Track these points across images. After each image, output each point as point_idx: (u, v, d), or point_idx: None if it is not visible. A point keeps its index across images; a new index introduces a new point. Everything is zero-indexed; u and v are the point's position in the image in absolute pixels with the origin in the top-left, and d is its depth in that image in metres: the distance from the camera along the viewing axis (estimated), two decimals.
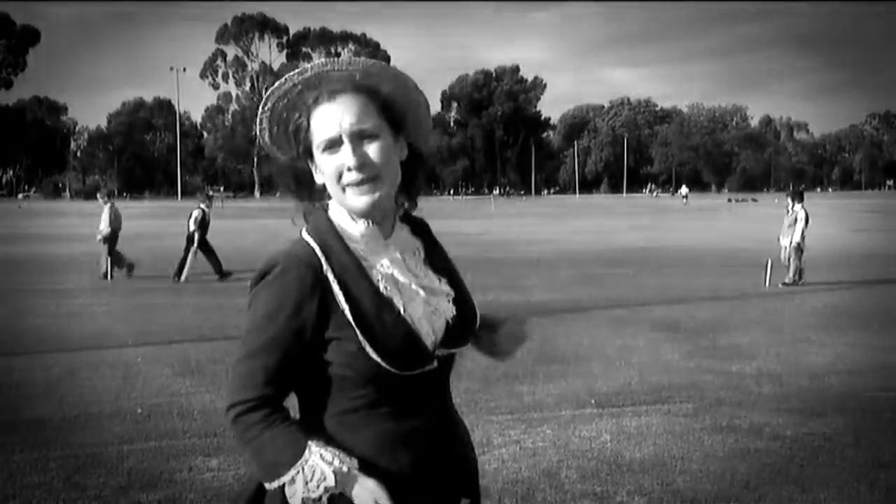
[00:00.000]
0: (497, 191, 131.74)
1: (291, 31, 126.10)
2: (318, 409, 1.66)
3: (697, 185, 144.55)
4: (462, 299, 1.74)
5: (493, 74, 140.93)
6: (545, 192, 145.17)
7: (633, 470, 4.77)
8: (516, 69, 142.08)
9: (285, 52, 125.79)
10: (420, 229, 1.82)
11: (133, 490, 4.41)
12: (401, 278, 1.67)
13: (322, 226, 1.67)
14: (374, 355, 1.56)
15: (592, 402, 6.28)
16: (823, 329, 9.58)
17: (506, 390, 6.55)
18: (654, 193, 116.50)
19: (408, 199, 1.78)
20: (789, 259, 14.26)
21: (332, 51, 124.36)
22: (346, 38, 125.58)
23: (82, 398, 6.32)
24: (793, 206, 14.71)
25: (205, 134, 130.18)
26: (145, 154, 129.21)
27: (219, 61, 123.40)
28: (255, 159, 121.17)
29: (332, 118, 1.63)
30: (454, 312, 1.70)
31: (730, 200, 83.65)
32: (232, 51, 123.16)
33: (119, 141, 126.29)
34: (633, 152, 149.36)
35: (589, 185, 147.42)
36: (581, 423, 5.71)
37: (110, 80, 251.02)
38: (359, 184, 1.62)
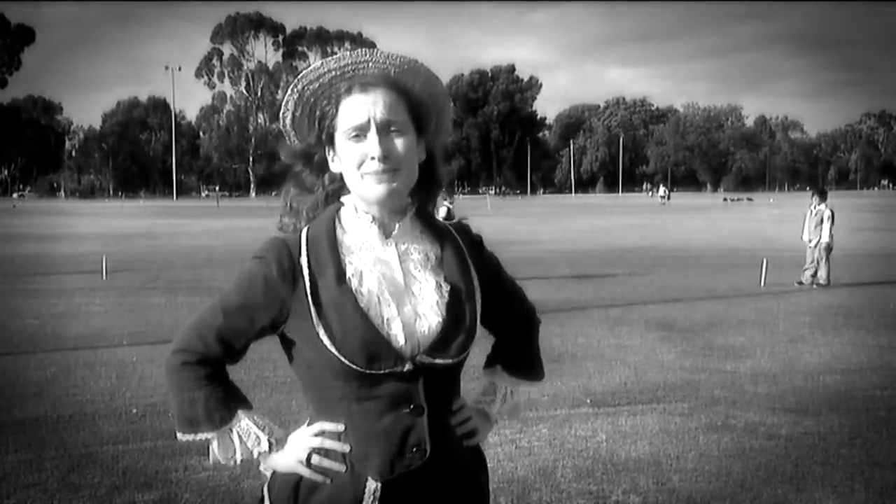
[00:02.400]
0: (493, 190, 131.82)
1: (287, 30, 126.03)
2: (306, 390, 1.72)
3: (693, 184, 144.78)
4: (455, 312, 1.68)
5: (489, 74, 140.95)
6: (541, 191, 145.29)
7: (629, 469, 4.77)
8: (512, 69, 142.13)
9: (281, 51, 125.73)
10: (444, 232, 1.78)
11: (128, 490, 4.40)
12: (380, 277, 1.66)
13: (324, 217, 1.71)
14: (330, 347, 1.58)
15: (588, 401, 6.29)
16: (818, 328, 9.60)
17: None
18: (650, 193, 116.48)
19: (419, 200, 1.77)
20: (818, 260, 14.21)
21: (328, 50, 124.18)
22: (341, 37, 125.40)
23: (77, 398, 6.31)
24: (817, 204, 14.66)
25: (200, 133, 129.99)
26: (140, 153, 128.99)
27: (214, 60, 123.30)
28: (251, 158, 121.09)
29: (362, 107, 1.65)
30: (439, 321, 1.66)
31: (725, 200, 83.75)
32: (227, 50, 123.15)
33: (114, 140, 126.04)
34: (629, 152, 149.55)
35: (585, 185, 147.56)
36: (576, 422, 5.71)
37: (105, 79, 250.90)
38: (379, 173, 1.63)
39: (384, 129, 1.64)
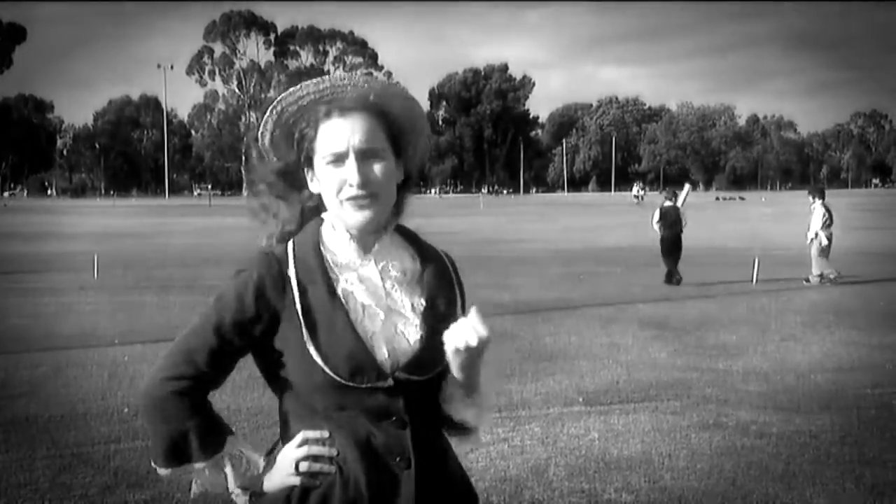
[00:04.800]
0: (486, 189, 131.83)
1: (279, 29, 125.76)
2: (287, 402, 1.71)
3: (686, 182, 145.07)
4: (431, 329, 1.67)
5: (482, 73, 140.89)
6: (534, 190, 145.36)
7: (621, 467, 4.78)
8: (505, 67, 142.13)
9: (272, 49, 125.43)
10: (427, 249, 1.80)
11: (120, 489, 4.39)
12: (364, 293, 1.68)
13: (308, 232, 1.73)
14: (318, 360, 1.59)
15: (580, 399, 6.30)
16: (810, 327, 9.64)
17: (494, 388, 6.55)
18: (644, 192, 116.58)
19: (393, 216, 1.78)
20: (813, 257, 14.26)
21: (320, 48, 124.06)
22: (333, 35, 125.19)
23: (68, 397, 6.29)
24: (813, 202, 14.73)
25: (192, 132, 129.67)
26: (132, 152, 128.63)
27: (206, 58, 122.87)
28: (244, 157, 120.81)
29: (341, 134, 1.66)
30: (417, 338, 1.67)
31: (718, 199, 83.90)
32: (219, 48, 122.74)
33: (105, 139, 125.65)
34: (622, 150, 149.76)
35: (577, 184, 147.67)
36: (569, 420, 5.72)
37: (96, 77, 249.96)
38: (358, 199, 1.65)
39: (363, 156, 1.65)
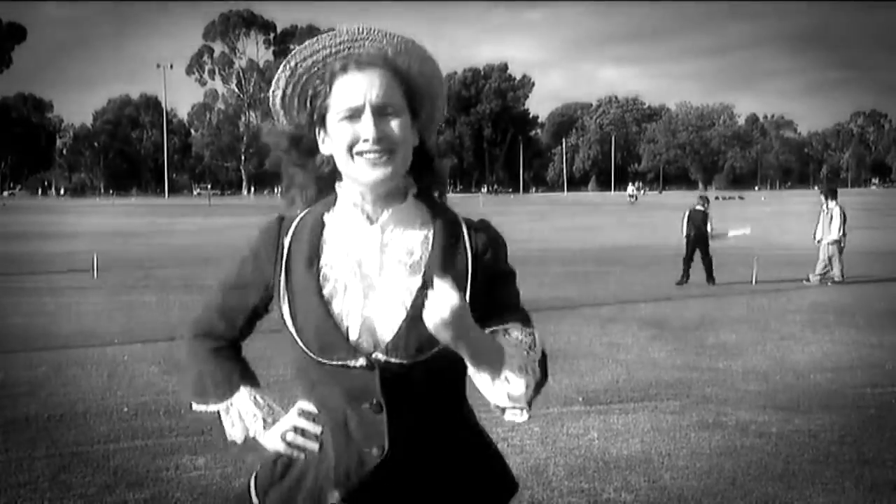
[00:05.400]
0: (485, 188, 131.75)
1: (278, 29, 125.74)
2: (293, 369, 1.74)
3: (685, 182, 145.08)
4: (417, 315, 1.49)
5: (482, 72, 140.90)
6: (533, 189, 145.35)
7: (620, 467, 4.78)
8: (504, 67, 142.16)
9: (272, 49, 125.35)
10: (451, 225, 1.68)
11: (119, 489, 4.39)
12: (346, 270, 1.61)
13: (322, 202, 1.72)
14: (292, 331, 1.61)
15: (580, 399, 6.30)
16: (809, 326, 9.64)
17: None
18: (643, 191, 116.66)
19: (422, 186, 1.71)
20: (830, 258, 14.28)
21: None
22: None
23: (68, 396, 6.28)
24: (827, 203, 14.72)
25: (192, 131, 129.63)
26: (132, 151, 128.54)
27: (205, 57, 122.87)
28: (243, 157, 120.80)
29: (357, 88, 1.60)
30: (402, 319, 1.57)
31: (717, 198, 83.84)
32: (219, 47, 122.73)
33: (105, 138, 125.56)
34: (621, 150, 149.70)
35: (577, 183, 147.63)
36: (568, 420, 5.72)
37: (96, 77, 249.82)
38: (373, 155, 1.59)
39: (379, 111, 1.59)
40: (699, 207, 14.96)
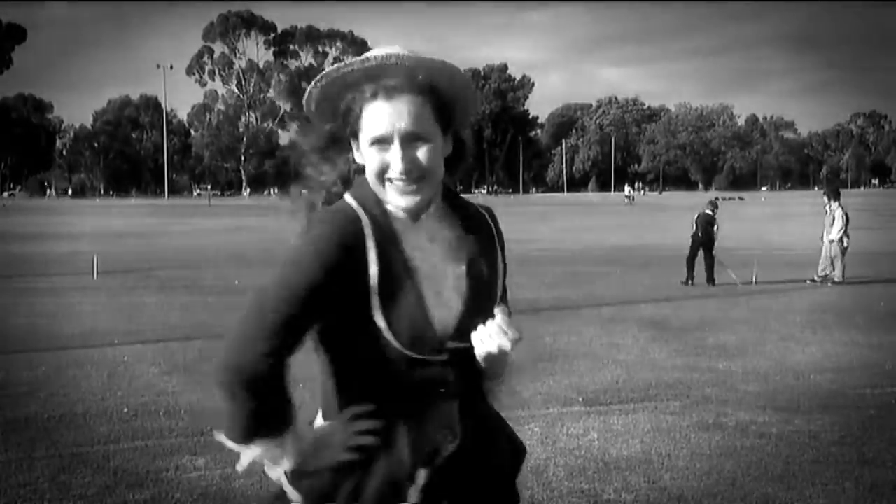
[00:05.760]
0: (485, 189, 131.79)
1: (278, 29, 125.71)
2: (336, 375, 1.69)
3: (685, 183, 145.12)
4: (476, 297, 1.67)
5: (481, 73, 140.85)
6: (533, 190, 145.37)
7: (620, 467, 4.78)
8: (504, 68, 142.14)
9: (272, 49, 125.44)
10: (474, 214, 1.78)
11: (119, 489, 4.39)
12: (420, 263, 1.65)
13: (367, 193, 1.67)
14: (383, 327, 1.57)
15: (580, 399, 6.29)
16: (809, 327, 9.64)
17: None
18: (642, 192, 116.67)
19: (446, 179, 1.74)
20: (832, 259, 14.29)
21: (320, 49, 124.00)
22: (333, 36, 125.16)
23: (68, 397, 6.28)
24: (829, 204, 14.75)
25: (192, 132, 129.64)
26: (132, 152, 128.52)
27: (205, 58, 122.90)
28: (242, 157, 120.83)
29: (386, 117, 1.61)
30: (461, 306, 1.65)
31: (717, 199, 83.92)
32: (219, 48, 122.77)
33: (105, 139, 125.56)
34: (621, 151, 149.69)
35: (577, 184, 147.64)
36: (568, 420, 5.72)
37: (96, 77, 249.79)
38: (402, 185, 1.61)
39: (409, 140, 1.61)
40: (708, 212, 15.00)
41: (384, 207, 1.65)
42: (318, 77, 1.70)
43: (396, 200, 1.63)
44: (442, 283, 1.66)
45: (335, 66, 1.69)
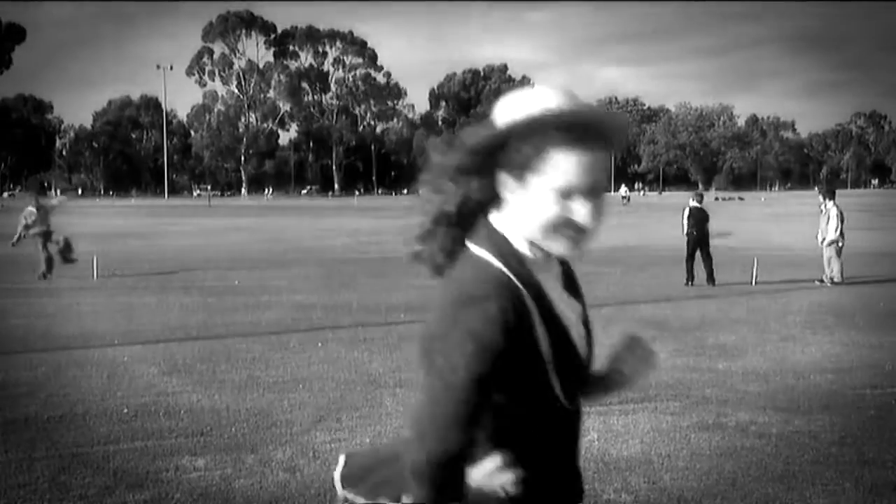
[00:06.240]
0: None
1: (278, 29, 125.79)
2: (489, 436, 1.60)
3: (685, 183, 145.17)
4: (591, 339, 1.69)
5: (482, 73, 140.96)
6: None
7: (620, 468, 4.78)
8: (504, 68, 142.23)
9: (272, 50, 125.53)
10: (563, 260, 1.73)
11: (119, 490, 4.39)
12: (560, 302, 1.62)
13: (501, 244, 1.57)
14: (556, 386, 1.56)
15: None
16: (809, 327, 9.64)
17: None
18: (642, 192, 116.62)
19: None
20: (828, 259, 14.28)
21: (320, 49, 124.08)
22: (333, 36, 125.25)
23: (68, 398, 6.28)
24: (825, 203, 14.73)
25: (192, 132, 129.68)
26: (132, 152, 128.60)
27: (205, 59, 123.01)
28: (242, 158, 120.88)
29: (584, 172, 1.51)
30: (586, 351, 1.66)
31: (717, 199, 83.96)
32: (218, 49, 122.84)
33: (105, 139, 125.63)
34: (621, 151, 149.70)
35: None
36: None
37: (96, 78, 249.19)
38: (578, 235, 1.56)
39: (594, 194, 1.53)
40: (696, 204, 14.99)
41: (520, 257, 1.57)
42: (509, 125, 1.54)
43: (562, 250, 1.57)
44: (572, 327, 1.63)
45: (526, 114, 1.53)
